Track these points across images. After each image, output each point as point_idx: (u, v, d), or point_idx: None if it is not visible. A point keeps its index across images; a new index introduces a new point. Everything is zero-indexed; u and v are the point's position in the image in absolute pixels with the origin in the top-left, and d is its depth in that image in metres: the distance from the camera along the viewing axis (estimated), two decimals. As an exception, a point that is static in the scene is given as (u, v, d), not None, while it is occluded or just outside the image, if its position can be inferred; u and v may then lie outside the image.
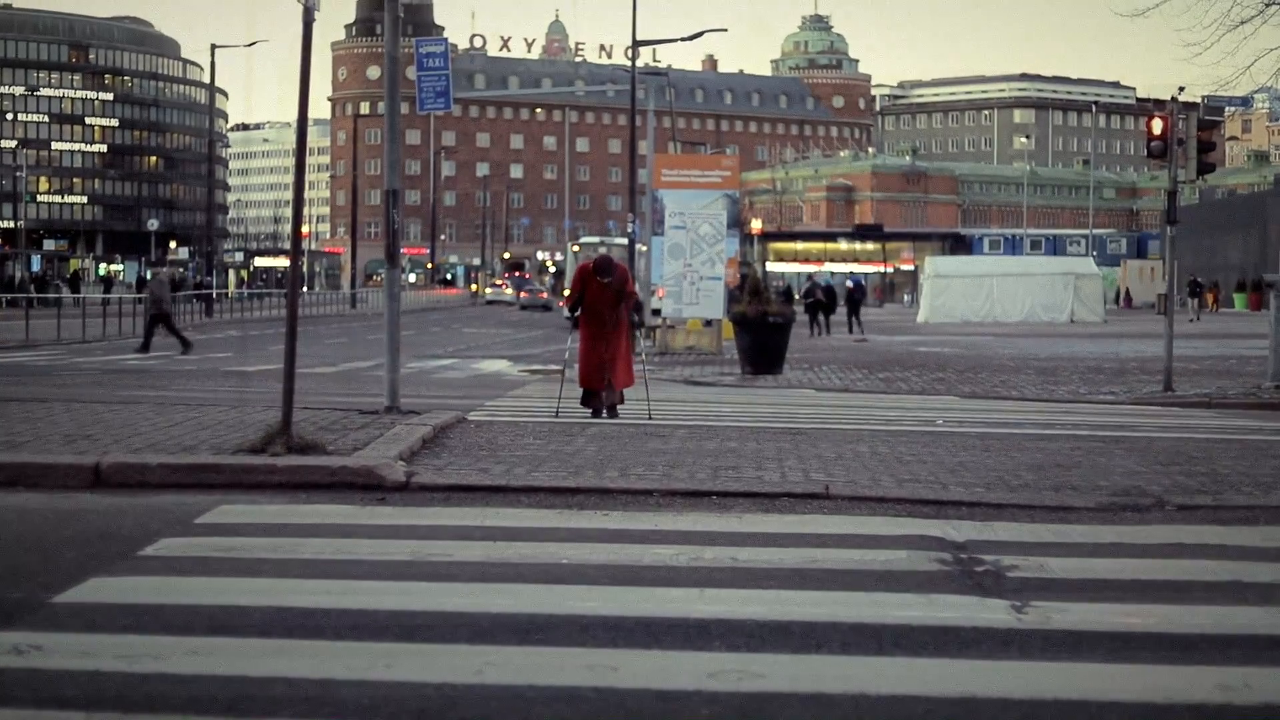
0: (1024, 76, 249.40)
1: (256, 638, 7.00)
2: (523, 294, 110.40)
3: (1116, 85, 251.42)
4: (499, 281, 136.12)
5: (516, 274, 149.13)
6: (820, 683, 6.36)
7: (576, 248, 79.33)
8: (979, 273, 75.95)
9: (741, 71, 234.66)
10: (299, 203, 14.76)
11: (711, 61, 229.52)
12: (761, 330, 30.40)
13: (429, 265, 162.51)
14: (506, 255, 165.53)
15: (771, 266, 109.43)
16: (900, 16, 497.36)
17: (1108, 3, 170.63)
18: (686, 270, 36.18)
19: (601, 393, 19.60)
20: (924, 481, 12.69)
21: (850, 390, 26.91)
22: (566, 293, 26.89)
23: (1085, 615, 7.75)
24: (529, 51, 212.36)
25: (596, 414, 19.31)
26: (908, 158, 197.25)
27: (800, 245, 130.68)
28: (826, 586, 8.39)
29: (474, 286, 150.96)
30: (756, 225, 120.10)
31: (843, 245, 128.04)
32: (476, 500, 11.59)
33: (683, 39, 58.78)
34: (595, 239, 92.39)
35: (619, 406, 19.73)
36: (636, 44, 51.97)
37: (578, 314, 20.21)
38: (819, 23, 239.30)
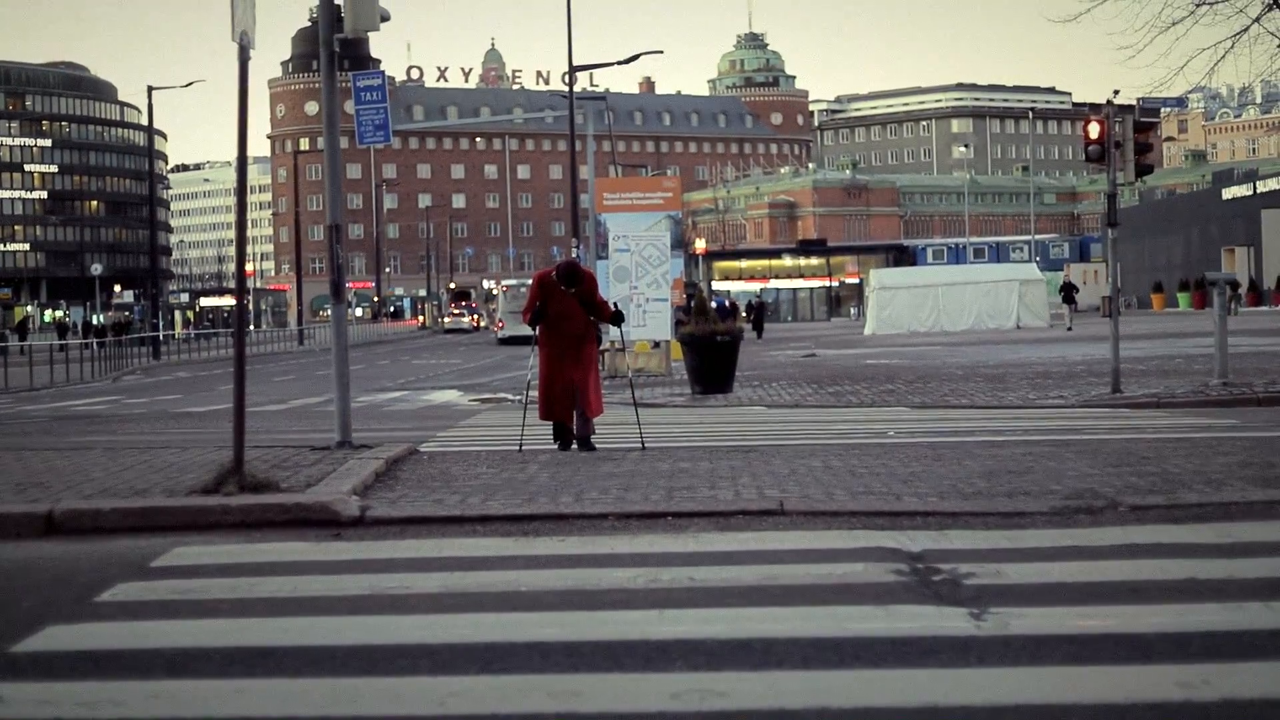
0: (960, 86, 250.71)
1: (217, 678, 6.96)
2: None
3: (1052, 91, 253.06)
4: (456, 310, 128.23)
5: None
6: (783, 698, 6.36)
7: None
8: (924, 283, 76.14)
9: (679, 92, 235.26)
10: (241, 241, 14.72)
11: (649, 83, 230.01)
12: (710, 349, 30.42)
13: (375, 299, 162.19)
14: (452, 285, 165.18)
15: (717, 285, 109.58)
16: (835, 32, 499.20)
17: (1041, 9, 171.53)
18: (632, 293, 36.16)
19: (571, 425, 17.75)
20: (878, 493, 12.70)
21: (801, 406, 26.96)
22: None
23: (1043, 620, 7.77)
24: (466, 81, 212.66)
25: (565, 448, 17.53)
26: (848, 172, 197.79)
27: (745, 263, 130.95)
28: (785, 602, 8.39)
29: (421, 318, 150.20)
30: (700, 245, 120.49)
31: (787, 261, 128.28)
32: (432, 531, 11.54)
33: (619, 62, 59.01)
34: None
35: (592, 438, 17.77)
36: (573, 69, 52.09)
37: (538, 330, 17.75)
38: (754, 41, 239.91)
